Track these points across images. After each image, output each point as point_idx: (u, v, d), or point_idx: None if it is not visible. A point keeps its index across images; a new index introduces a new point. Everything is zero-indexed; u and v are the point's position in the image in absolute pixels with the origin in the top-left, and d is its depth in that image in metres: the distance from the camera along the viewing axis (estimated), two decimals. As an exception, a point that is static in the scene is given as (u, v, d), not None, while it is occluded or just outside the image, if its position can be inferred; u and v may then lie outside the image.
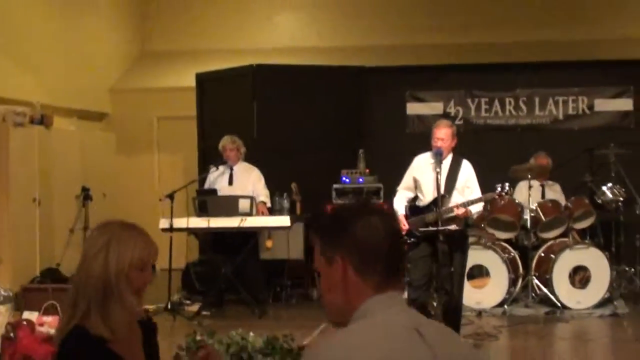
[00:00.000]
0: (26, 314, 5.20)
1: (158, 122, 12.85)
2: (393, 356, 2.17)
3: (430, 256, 7.54)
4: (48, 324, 5.12)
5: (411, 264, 7.71)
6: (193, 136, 11.60)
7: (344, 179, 10.16)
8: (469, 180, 7.60)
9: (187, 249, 10.86)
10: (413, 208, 7.67)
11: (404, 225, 7.51)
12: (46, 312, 5.23)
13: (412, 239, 7.52)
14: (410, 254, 7.64)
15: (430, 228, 7.30)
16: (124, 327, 2.93)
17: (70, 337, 2.89)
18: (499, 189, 7.72)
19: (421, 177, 7.64)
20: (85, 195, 10.77)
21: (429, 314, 7.84)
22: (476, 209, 7.59)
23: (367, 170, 10.27)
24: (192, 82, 11.45)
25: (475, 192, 7.56)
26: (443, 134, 7.54)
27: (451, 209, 7.37)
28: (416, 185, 7.70)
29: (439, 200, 7.32)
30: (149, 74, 12.81)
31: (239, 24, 12.52)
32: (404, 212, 7.66)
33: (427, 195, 7.55)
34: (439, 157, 7.43)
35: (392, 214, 2.59)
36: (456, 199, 7.48)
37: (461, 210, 7.32)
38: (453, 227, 7.22)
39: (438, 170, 7.38)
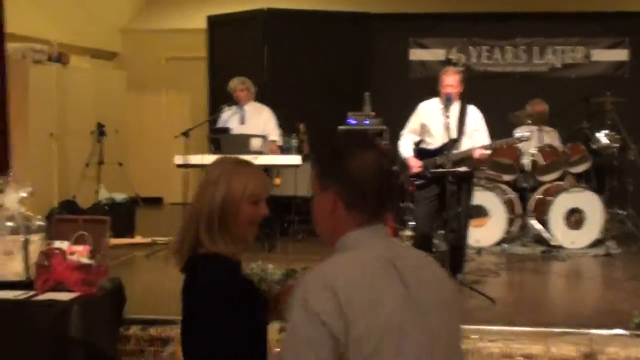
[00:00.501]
0: (57, 243, 5.23)
1: (167, 62, 12.82)
2: (364, 287, 2.27)
3: (437, 196, 7.64)
4: (78, 253, 5.16)
5: (418, 203, 7.82)
6: (201, 77, 11.59)
7: (350, 120, 10.19)
8: (478, 124, 7.67)
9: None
10: (423, 151, 7.73)
11: (415, 166, 7.60)
12: (76, 242, 5.26)
13: (421, 180, 7.60)
14: (417, 194, 7.74)
15: (441, 169, 7.37)
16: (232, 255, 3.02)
17: (205, 261, 2.96)
18: (519, 134, 7.84)
19: (430, 122, 7.69)
20: (100, 131, 10.82)
21: (431, 249, 7.97)
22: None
23: (373, 113, 10.29)
24: (202, 25, 11.42)
25: (484, 135, 7.64)
26: (452, 80, 7.57)
27: (467, 152, 7.45)
28: (423, 130, 7.76)
29: (451, 144, 7.39)
30: (160, 15, 12.75)
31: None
32: (411, 154, 7.74)
33: (437, 139, 7.60)
34: (448, 103, 7.48)
35: (388, 152, 2.71)
36: (465, 142, 7.55)
37: (484, 152, 7.42)
38: (463, 168, 7.28)
39: (448, 114, 7.44)
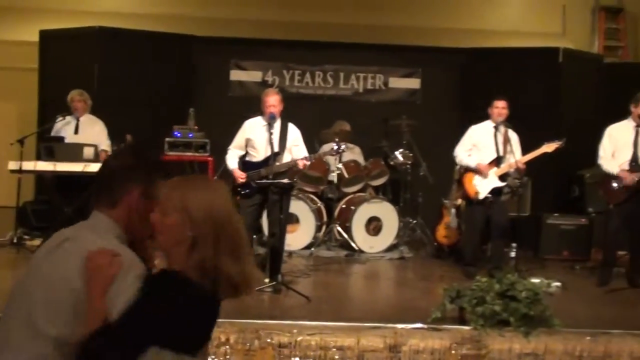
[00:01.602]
0: None
1: (-5, 72, 12.28)
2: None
3: (260, 205, 7.81)
4: None
5: (241, 210, 7.94)
6: (31, 88, 11.19)
7: (175, 133, 10.18)
8: (297, 140, 7.95)
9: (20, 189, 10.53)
10: (248, 164, 7.89)
11: (240, 177, 7.75)
12: None
13: (246, 190, 7.74)
14: (241, 202, 7.87)
15: (266, 180, 7.54)
16: None
17: None
18: (336, 147, 8.12)
19: (255, 137, 7.87)
20: None
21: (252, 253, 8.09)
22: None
23: (196, 127, 10.33)
24: (35, 38, 11.04)
25: (303, 149, 7.93)
26: (274, 100, 7.78)
27: (289, 163, 7.69)
28: (248, 145, 7.91)
29: (273, 157, 7.59)
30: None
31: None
32: (236, 167, 7.88)
33: (261, 153, 7.80)
34: (272, 121, 7.68)
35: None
36: (286, 156, 7.78)
37: (307, 162, 7.84)
38: (285, 180, 7.48)
39: (272, 131, 7.64)
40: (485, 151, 8.61)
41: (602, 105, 10.94)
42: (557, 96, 10.84)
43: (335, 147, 8.19)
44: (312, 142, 10.02)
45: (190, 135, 10.19)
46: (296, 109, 9.43)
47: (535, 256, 9.93)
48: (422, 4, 12.41)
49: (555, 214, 10.10)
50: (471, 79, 11.42)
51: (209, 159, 9.93)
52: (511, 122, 8.75)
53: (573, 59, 11.20)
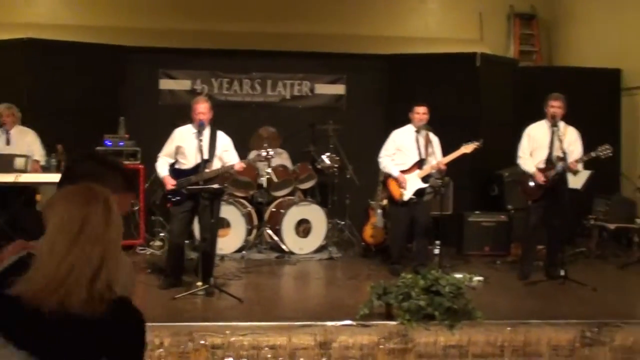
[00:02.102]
0: None
1: None
2: None
3: (191, 211, 7.79)
4: None
5: (173, 217, 7.93)
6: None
7: (106, 142, 10.07)
8: (227, 146, 7.94)
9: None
10: (177, 171, 7.86)
11: (170, 184, 7.72)
12: None
13: (177, 197, 7.72)
14: (172, 209, 7.85)
15: (196, 187, 7.52)
16: None
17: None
18: (265, 153, 8.15)
19: (185, 144, 7.85)
20: None
21: (184, 257, 8.12)
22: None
23: (127, 135, 10.23)
24: (-40, 49, 10.80)
25: (233, 154, 7.95)
26: (203, 108, 7.78)
27: (222, 169, 7.70)
28: (178, 152, 7.89)
29: (203, 164, 7.58)
30: None
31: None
32: (167, 174, 7.85)
33: (191, 160, 7.77)
34: (201, 128, 7.67)
35: None
36: (216, 162, 7.77)
37: (243, 165, 7.95)
38: (215, 185, 7.48)
39: (201, 138, 7.63)
40: (408, 154, 8.77)
41: (518, 107, 11.21)
42: (476, 99, 11.05)
43: (264, 153, 8.21)
44: (242, 149, 10.04)
45: (121, 143, 10.08)
46: (225, 116, 9.43)
47: (458, 253, 10.11)
48: (347, 13, 12.52)
49: (477, 212, 10.29)
50: (394, 85, 11.56)
51: (140, 167, 9.84)
52: (433, 125, 8.91)
53: (490, 63, 11.42)
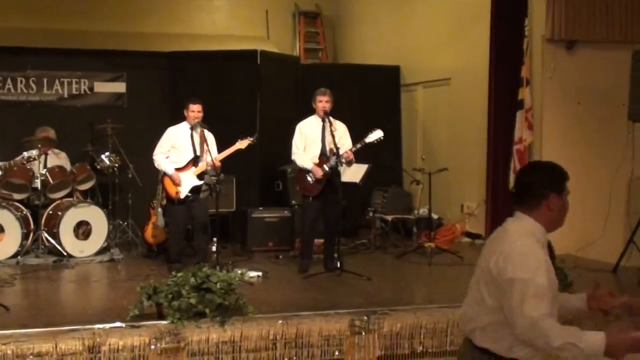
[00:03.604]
0: None
1: None
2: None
3: None
4: None
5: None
6: None
7: None
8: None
9: None
10: None
11: None
12: None
13: None
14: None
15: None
16: None
17: None
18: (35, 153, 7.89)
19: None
20: None
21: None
22: None
23: None
24: None
25: None
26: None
27: None
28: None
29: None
30: None
31: None
32: None
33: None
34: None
35: None
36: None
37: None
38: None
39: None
40: (183, 152, 8.80)
41: (301, 104, 11.44)
42: (256, 96, 11.19)
43: (35, 153, 7.96)
44: (16, 150, 9.72)
45: None
46: (-1, 117, 9.09)
47: (243, 249, 10.24)
48: (130, 10, 12.44)
49: (260, 208, 10.45)
50: (176, 82, 11.51)
51: None
52: (216, 121, 9.01)
53: (271, 61, 11.62)
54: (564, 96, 9.63)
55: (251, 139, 8.80)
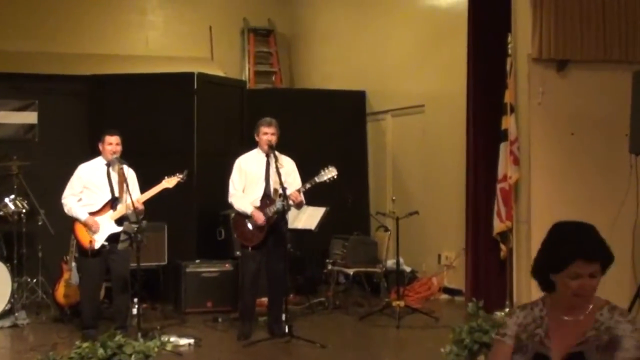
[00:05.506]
0: None
1: None
2: None
3: None
4: None
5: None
6: None
7: None
8: None
9: None
10: None
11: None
12: None
13: None
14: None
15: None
16: None
17: None
18: None
19: None
20: None
21: None
22: None
23: None
24: None
25: None
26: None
27: None
28: None
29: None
30: None
31: None
32: None
33: None
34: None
35: None
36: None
37: None
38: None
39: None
40: (98, 192, 8.50)
41: (248, 135, 11.20)
42: (193, 127, 10.91)
43: None
44: None
45: None
46: None
47: (175, 310, 9.93)
48: (45, 29, 12.15)
49: (197, 261, 10.15)
50: (99, 111, 11.18)
51: None
52: (144, 156, 8.86)
53: (211, 85, 11.37)
54: (554, 125, 9.44)
55: (180, 176, 8.57)
